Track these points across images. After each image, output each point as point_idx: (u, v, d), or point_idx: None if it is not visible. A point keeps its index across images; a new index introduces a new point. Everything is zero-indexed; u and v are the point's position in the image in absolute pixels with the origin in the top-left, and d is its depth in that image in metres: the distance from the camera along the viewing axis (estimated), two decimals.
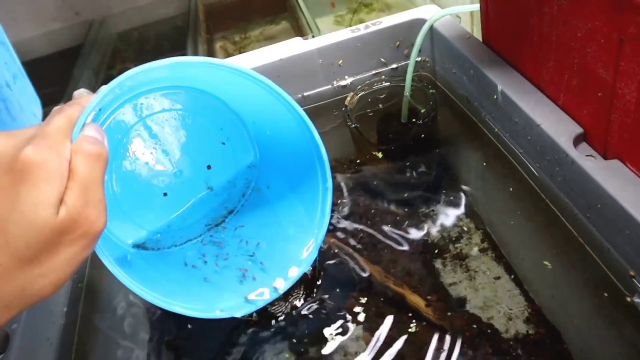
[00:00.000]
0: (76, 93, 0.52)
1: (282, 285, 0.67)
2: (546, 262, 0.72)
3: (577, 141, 0.64)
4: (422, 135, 0.90)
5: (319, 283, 0.82)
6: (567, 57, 0.62)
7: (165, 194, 0.71)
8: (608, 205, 0.57)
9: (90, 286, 0.76)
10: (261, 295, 0.67)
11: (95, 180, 0.41)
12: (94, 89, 0.98)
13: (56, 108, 0.47)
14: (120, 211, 0.66)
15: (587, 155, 0.62)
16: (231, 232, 0.77)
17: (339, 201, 0.93)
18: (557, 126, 0.65)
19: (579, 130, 0.64)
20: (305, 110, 0.97)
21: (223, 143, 0.74)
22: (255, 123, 0.73)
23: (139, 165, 0.69)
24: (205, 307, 0.62)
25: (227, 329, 0.79)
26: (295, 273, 0.68)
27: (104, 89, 0.48)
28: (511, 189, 0.80)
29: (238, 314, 0.63)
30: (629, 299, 0.59)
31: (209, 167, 0.73)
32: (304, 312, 0.79)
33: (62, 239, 0.39)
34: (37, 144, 0.38)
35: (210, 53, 1.60)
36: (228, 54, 1.59)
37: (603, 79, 0.57)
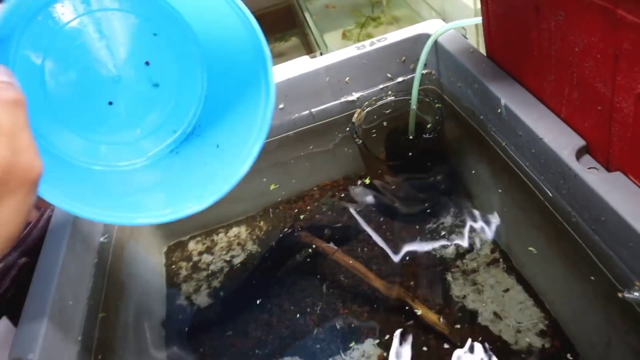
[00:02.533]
0: None
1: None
2: (535, 248, 0.72)
3: (579, 154, 0.64)
4: (430, 150, 0.90)
5: (329, 298, 0.83)
6: (567, 72, 0.62)
7: (110, 103, 0.67)
8: (611, 218, 0.57)
9: (105, 312, 0.77)
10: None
11: (19, 127, 0.40)
12: None
13: None
14: (60, 123, 0.63)
15: (589, 168, 0.62)
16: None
17: (349, 217, 0.94)
18: (560, 139, 0.65)
19: (581, 142, 0.64)
20: (314, 127, 1.00)
21: (155, 34, 0.68)
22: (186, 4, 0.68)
23: (71, 74, 0.64)
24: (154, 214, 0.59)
25: (243, 349, 0.81)
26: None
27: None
28: (519, 201, 0.81)
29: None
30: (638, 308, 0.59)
31: (147, 63, 0.68)
32: (314, 331, 0.80)
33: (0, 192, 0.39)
34: None
35: None
36: None
37: (602, 92, 0.57)
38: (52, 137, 0.62)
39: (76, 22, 0.63)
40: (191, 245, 1.02)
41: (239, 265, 0.95)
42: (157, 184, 0.67)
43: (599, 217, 0.60)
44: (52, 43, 0.62)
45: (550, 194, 0.70)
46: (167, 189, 0.66)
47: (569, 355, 0.69)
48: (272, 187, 1.04)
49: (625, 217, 0.55)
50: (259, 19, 0.60)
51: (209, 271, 0.96)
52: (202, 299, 0.91)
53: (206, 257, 0.99)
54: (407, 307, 0.77)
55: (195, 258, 0.99)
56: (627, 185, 0.58)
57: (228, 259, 0.97)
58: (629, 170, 0.58)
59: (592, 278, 0.66)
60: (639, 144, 0.55)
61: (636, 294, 0.57)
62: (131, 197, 0.64)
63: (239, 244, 0.99)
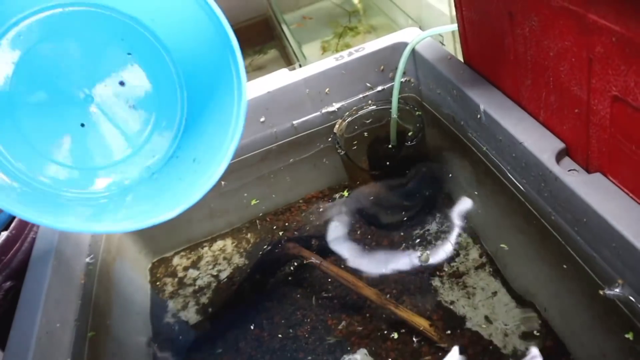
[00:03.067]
0: None
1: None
2: (516, 249, 0.73)
3: (559, 156, 0.65)
4: (412, 157, 0.91)
5: (319, 309, 0.83)
6: (543, 76, 0.63)
7: (82, 125, 0.65)
8: (593, 219, 0.58)
9: (94, 331, 0.77)
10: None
11: None
12: None
13: None
14: (32, 149, 0.62)
15: (570, 170, 0.63)
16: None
17: (334, 227, 0.94)
18: (540, 143, 0.66)
19: (561, 145, 0.65)
20: (296, 139, 1.00)
21: (129, 54, 0.68)
22: (154, 20, 0.67)
23: (41, 94, 0.63)
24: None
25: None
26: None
27: None
28: (503, 205, 0.81)
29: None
30: (624, 309, 0.60)
31: (121, 83, 0.68)
32: (305, 343, 0.80)
33: None
34: None
35: None
36: None
37: (578, 96, 0.58)
38: (27, 165, 0.62)
39: (45, 42, 0.62)
40: (176, 261, 1.01)
41: (225, 279, 0.94)
42: (128, 202, 0.66)
43: (581, 218, 0.60)
44: (21, 61, 0.61)
45: (533, 197, 0.71)
46: (138, 206, 0.65)
47: (560, 356, 0.69)
48: (254, 202, 1.03)
49: (606, 218, 0.56)
50: (236, 32, 0.60)
51: (196, 287, 0.95)
52: (190, 316, 0.90)
53: (192, 272, 0.98)
54: (397, 315, 0.77)
55: (180, 274, 0.98)
56: (606, 186, 0.58)
57: (215, 273, 0.96)
58: (608, 171, 0.59)
59: (576, 278, 0.67)
60: (616, 145, 0.56)
61: (617, 290, 0.58)
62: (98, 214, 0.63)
63: (224, 257, 0.99)
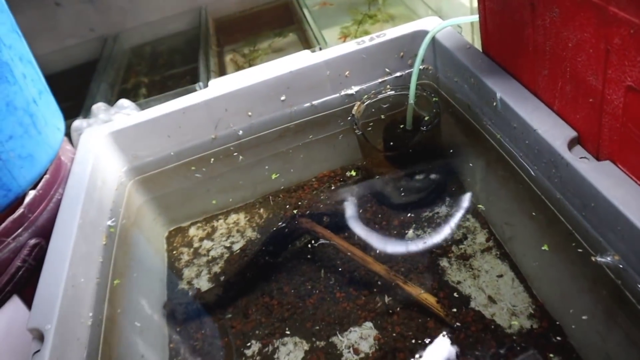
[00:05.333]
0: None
1: None
2: (545, 247, 0.76)
3: (571, 144, 0.67)
4: (426, 142, 0.93)
5: (328, 282, 0.86)
6: (560, 66, 0.65)
7: None
8: (601, 205, 0.60)
9: (112, 291, 0.80)
10: None
11: None
12: (110, 101, 1.01)
13: None
14: None
15: (581, 158, 0.65)
16: None
17: (347, 205, 0.97)
18: (553, 131, 0.69)
19: (573, 134, 0.67)
20: (314, 119, 1.02)
21: None
22: None
23: None
24: None
25: (243, 330, 0.83)
26: None
27: None
28: (513, 191, 0.84)
29: None
30: (624, 289, 0.63)
31: None
32: (313, 313, 0.82)
33: None
34: None
35: (221, 65, 1.64)
36: (238, 66, 1.63)
37: (593, 85, 0.60)
38: None
39: None
40: (192, 231, 1.04)
41: (238, 251, 0.98)
42: None
43: (589, 204, 0.63)
44: None
45: (543, 183, 0.73)
46: None
47: (558, 338, 0.72)
48: (274, 176, 1.06)
49: (614, 203, 0.58)
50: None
51: (209, 257, 0.98)
52: (203, 283, 0.93)
53: (206, 243, 1.01)
54: (404, 291, 0.80)
55: (196, 244, 1.01)
56: (616, 173, 0.61)
57: (228, 244, 0.99)
58: (618, 159, 0.62)
59: (581, 263, 0.69)
60: (627, 134, 0.58)
61: (608, 258, 0.61)
62: None
63: (238, 230, 1.02)
